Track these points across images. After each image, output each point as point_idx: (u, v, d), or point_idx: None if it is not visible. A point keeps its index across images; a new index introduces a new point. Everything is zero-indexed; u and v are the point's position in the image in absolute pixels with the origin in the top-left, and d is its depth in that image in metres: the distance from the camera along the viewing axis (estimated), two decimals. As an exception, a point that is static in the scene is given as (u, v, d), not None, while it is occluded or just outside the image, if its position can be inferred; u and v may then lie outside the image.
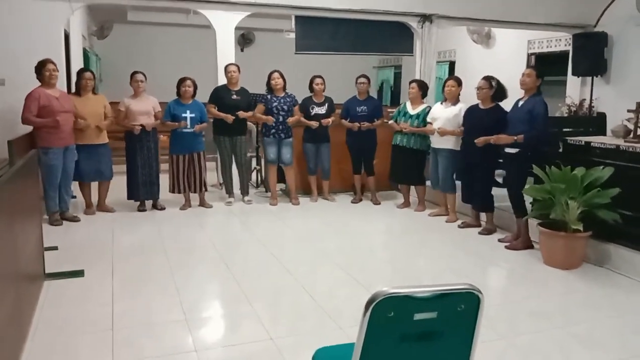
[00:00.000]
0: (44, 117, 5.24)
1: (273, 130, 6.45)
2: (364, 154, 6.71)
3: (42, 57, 5.33)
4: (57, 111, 5.27)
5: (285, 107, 6.42)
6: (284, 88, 6.50)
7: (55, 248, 4.63)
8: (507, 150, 4.99)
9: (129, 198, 6.16)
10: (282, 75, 6.46)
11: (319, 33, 7.37)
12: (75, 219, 5.68)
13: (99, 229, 5.49)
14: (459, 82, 5.84)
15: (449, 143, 5.77)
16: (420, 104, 6.30)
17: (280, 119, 6.40)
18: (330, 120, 6.52)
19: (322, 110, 6.56)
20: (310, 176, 6.86)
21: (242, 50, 12.23)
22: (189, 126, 6.07)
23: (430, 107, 6.27)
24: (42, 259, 3.97)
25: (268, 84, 6.49)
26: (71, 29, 7.36)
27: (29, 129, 5.36)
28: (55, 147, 5.34)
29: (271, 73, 6.49)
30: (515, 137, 4.81)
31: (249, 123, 6.92)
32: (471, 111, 5.51)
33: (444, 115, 5.80)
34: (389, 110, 7.75)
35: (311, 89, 6.63)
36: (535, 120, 4.74)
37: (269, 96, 6.49)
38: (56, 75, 5.38)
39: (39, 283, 3.78)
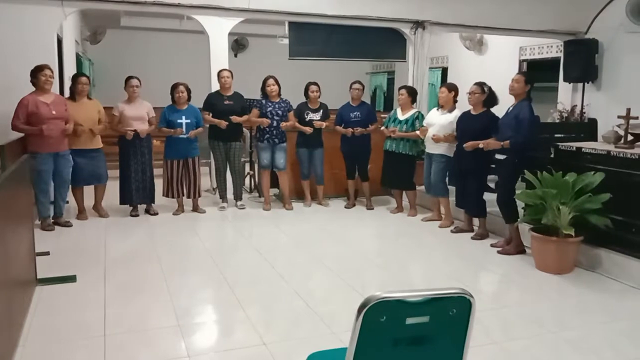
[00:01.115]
0: (32, 124, 5.21)
1: (267, 135, 6.46)
2: (358, 160, 6.72)
3: (34, 62, 5.31)
4: (45, 118, 5.23)
5: (279, 112, 6.43)
6: (279, 94, 6.52)
7: (47, 253, 4.60)
8: (497, 156, 5.04)
9: (121, 203, 6.14)
10: (277, 82, 6.47)
11: (313, 39, 7.40)
12: (67, 224, 5.65)
13: (92, 234, 5.47)
14: (450, 89, 5.86)
15: (442, 148, 5.79)
16: (410, 109, 6.34)
17: (275, 123, 6.41)
18: (323, 123, 6.53)
19: (316, 116, 6.58)
20: (304, 181, 6.86)
21: (235, 55, 12.24)
22: (184, 133, 6.07)
23: (420, 112, 6.33)
24: (34, 264, 3.95)
25: (263, 89, 6.51)
26: (64, 34, 7.34)
27: (21, 134, 5.34)
28: (43, 152, 5.30)
29: (266, 79, 6.50)
30: (502, 143, 4.85)
31: (243, 129, 6.92)
32: (463, 117, 5.55)
33: (438, 122, 5.82)
34: (382, 116, 7.77)
35: (307, 95, 6.65)
36: (520, 126, 4.78)
37: (263, 101, 6.50)
38: (51, 82, 5.36)
39: (30, 288, 3.76)
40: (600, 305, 3.90)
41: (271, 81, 6.46)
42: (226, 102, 6.36)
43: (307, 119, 6.56)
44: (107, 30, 11.14)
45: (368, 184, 6.81)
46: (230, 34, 6.99)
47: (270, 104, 6.44)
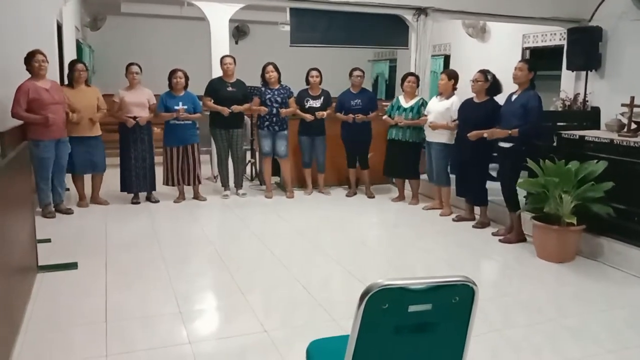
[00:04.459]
0: (34, 111, 5.16)
1: (267, 123, 6.43)
2: (359, 148, 6.69)
3: (34, 49, 5.26)
4: (47, 104, 5.20)
5: (278, 99, 6.40)
6: (279, 80, 6.48)
7: (49, 240, 4.61)
8: (501, 144, 5.00)
9: (122, 190, 6.14)
10: (276, 68, 6.43)
11: (314, 26, 7.33)
12: (68, 212, 5.64)
13: (92, 221, 5.46)
14: (450, 76, 5.82)
15: (442, 137, 5.77)
16: (414, 96, 6.30)
17: (274, 111, 6.38)
18: (324, 113, 6.50)
19: (316, 103, 6.54)
20: (305, 169, 6.84)
21: (236, 42, 12.17)
22: (185, 112, 6.01)
23: (423, 99, 6.30)
24: (35, 252, 3.95)
25: (263, 76, 6.47)
26: (64, 20, 7.28)
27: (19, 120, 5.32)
28: (46, 139, 5.27)
29: (265, 66, 6.45)
30: (510, 132, 4.82)
31: (244, 116, 6.90)
32: (465, 105, 5.51)
33: (436, 109, 5.81)
34: (384, 104, 7.73)
35: (307, 81, 6.61)
36: (529, 115, 4.74)
37: (263, 89, 6.46)
38: (45, 67, 5.28)
39: (31, 275, 3.76)
40: (601, 294, 3.89)
41: (270, 68, 6.41)
42: (229, 89, 6.33)
43: (307, 106, 6.53)
44: (107, 16, 11.07)
45: (368, 172, 6.78)
46: (231, 20, 6.94)
47: (269, 91, 6.41)
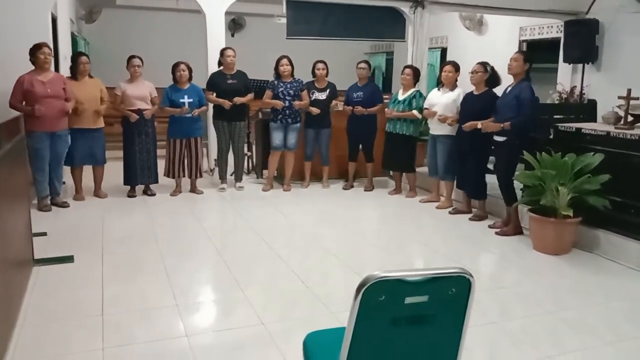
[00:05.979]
0: (27, 102, 5.18)
1: (280, 116, 6.42)
2: (363, 140, 6.68)
3: (29, 41, 5.23)
4: (39, 96, 5.18)
5: (291, 92, 6.38)
6: (292, 74, 6.46)
7: (44, 234, 4.60)
8: (496, 138, 5.00)
9: (125, 183, 6.14)
10: (290, 61, 6.41)
11: (311, 18, 7.31)
12: (64, 205, 5.63)
13: (89, 214, 5.45)
14: (456, 68, 5.79)
15: (447, 129, 5.70)
16: (410, 89, 6.29)
17: (287, 103, 6.37)
18: (317, 110, 6.44)
19: (322, 96, 6.53)
20: (306, 162, 6.82)
21: (232, 35, 12.12)
22: (189, 112, 6.02)
23: (418, 91, 6.28)
24: (31, 245, 3.93)
25: (276, 69, 6.45)
26: (59, 12, 7.23)
27: (17, 112, 5.29)
28: (38, 130, 5.25)
29: (280, 59, 6.44)
30: (502, 125, 4.81)
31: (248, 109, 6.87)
32: (466, 98, 5.50)
33: (442, 101, 5.75)
34: (384, 97, 7.71)
35: (314, 73, 6.60)
36: (522, 106, 4.74)
37: (275, 82, 6.45)
38: (50, 60, 5.31)
39: (27, 269, 3.75)
40: (598, 286, 3.91)
41: (285, 61, 6.40)
42: (229, 82, 6.31)
43: (313, 98, 6.52)
44: (102, 9, 11.00)
45: (372, 165, 6.77)
46: (227, 13, 6.92)
47: (281, 85, 6.40)
